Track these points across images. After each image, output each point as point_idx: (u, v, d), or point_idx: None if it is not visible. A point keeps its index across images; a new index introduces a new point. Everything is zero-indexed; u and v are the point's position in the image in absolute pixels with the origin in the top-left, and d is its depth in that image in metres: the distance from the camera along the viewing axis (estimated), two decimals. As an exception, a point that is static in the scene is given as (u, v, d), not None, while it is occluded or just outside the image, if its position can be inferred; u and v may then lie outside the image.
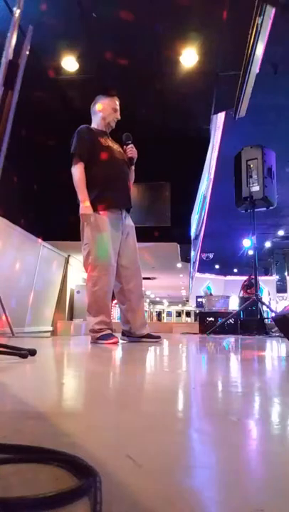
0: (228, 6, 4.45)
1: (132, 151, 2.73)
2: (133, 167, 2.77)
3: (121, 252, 2.63)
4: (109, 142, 2.71)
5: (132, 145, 2.74)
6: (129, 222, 2.70)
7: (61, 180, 8.13)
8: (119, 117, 2.74)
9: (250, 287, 5.05)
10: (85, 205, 2.47)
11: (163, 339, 2.75)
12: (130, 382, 1.11)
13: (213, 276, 11.67)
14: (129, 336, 2.67)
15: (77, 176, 2.53)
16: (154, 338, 2.64)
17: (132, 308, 2.65)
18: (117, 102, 2.75)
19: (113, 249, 2.55)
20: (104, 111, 2.71)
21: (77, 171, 2.53)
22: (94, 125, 2.76)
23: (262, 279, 8.84)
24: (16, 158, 5.77)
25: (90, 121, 2.81)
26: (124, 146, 2.76)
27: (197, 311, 7.06)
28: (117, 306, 2.80)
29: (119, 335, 2.65)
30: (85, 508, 0.32)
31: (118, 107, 2.74)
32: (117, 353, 2.04)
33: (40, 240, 5.78)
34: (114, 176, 2.59)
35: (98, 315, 2.50)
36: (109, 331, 2.50)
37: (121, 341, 2.61)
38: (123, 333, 2.72)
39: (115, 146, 2.73)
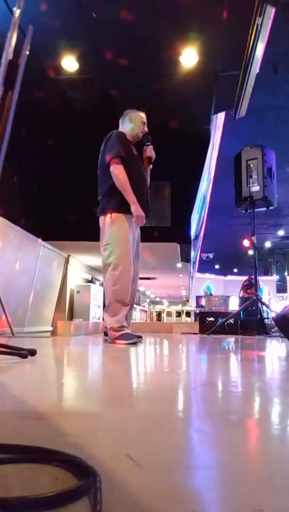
0: (228, 6, 4.45)
1: (151, 151, 2.87)
2: (151, 166, 2.89)
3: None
4: (137, 152, 2.84)
5: (151, 146, 2.88)
6: (138, 229, 2.78)
7: (61, 180, 8.15)
8: (146, 130, 2.87)
9: (250, 287, 5.05)
10: (138, 207, 2.56)
11: (144, 340, 2.72)
12: (130, 382, 1.11)
13: (213, 276, 11.68)
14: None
15: (122, 178, 2.58)
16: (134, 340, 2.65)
17: (129, 310, 2.69)
18: (145, 118, 2.89)
19: (132, 250, 2.64)
20: (135, 122, 2.83)
21: (122, 173, 2.58)
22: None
23: (262, 279, 8.84)
24: (16, 158, 5.78)
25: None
26: (144, 147, 2.88)
27: (197, 311, 7.06)
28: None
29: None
30: (85, 508, 0.32)
31: (146, 122, 2.88)
32: (118, 353, 2.04)
33: (40, 240, 5.77)
34: (140, 184, 2.69)
35: (117, 313, 2.53)
36: (128, 330, 2.53)
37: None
38: (106, 333, 2.70)
39: (138, 155, 2.87)
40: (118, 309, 2.54)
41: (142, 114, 2.90)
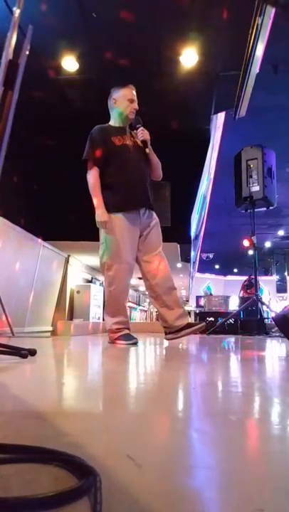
0: (228, 6, 4.45)
1: (142, 133, 2.60)
2: (148, 150, 2.62)
3: (142, 248, 2.58)
4: (127, 139, 2.61)
5: (142, 128, 2.61)
6: (150, 219, 2.62)
7: (61, 180, 8.13)
8: (137, 107, 2.63)
9: (250, 287, 5.05)
10: (100, 212, 2.46)
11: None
12: (130, 382, 1.11)
13: (213, 276, 11.68)
14: (170, 331, 2.55)
15: (90, 182, 2.51)
16: (195, 326, 2.53)
17: (165, 303, 2.53)
18: (134, 92, 2.64)
19: (129, 249, 2.52)
20: (119, 104, 2.61)
21: (91, 177, 2.51)
22: (111, 122, 2.69)
23: (262, 279, 8.84)
24: (16, 158, 5.78)
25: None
26: (135, 131, 2.66)
27: (197, 311, 7.06)
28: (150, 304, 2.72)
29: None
30: (85, 508, 0.32)
31: (135, 97, 2.63)
32: (118, 353, 2.04)
33: (40, 240, 5.77)
34: (130, 177, 2.53)
35: (116, 315, 2.49)
36: (127, 331, 2.48)
37: (166, 342, 2.59)
38: (165, 332, 2.61)
39: (134, 141, 2.64)
40: (117, 309, 2.51)
41: (127, 91, 2.62)
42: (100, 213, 2.45)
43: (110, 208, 2.49)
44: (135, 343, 2.38)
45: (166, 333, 2.59)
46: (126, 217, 2.50)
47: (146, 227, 2.60)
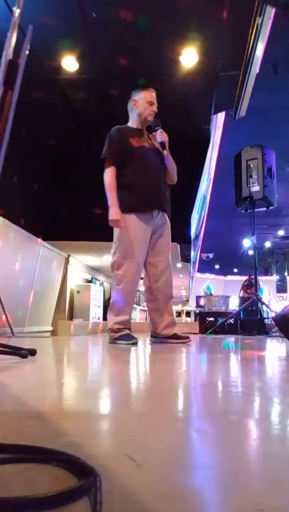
0: (228, 6, 4.45)
1: (161, 135, 2.65)
2: (166, 152, 2.68)
3: (150, 250, 2.61)
4: (145, 141, 2.65)
5: (160, 130, 2.66)
6: (162, 221, 2.67)
7: (61, 180, 8.13)
8: (156, 110, 2.67)
9: (250, 287, 5.05)
10: (113, 210, 2.47)
11: (144, 340, 2.70)
12: (130, 382, 1.11)
13: (213, 276, 11.68)
14: (156, 336, 2.62)
15: (106, 181, 2.53)
16: (181, 339, 2.58)
17: (159, 308, 2.60)
18: (154, 94, 2.68)
19: (141, 250, 2.54)
20: (139, 106, 2.65)
21: (107, 176, 2.53)
22: (130, 123, 2.72)
23: (262, 279, 8.84)
24: (16, 158, 5.78)
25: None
26: (153, 133, 2.70)
27: (197, 311, 7.06)
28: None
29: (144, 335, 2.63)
30: (85, 508, 0.32)
31: (155, 100, 2.67)
32: (117, 353, 2.04)
33: (40, 240, 5.77)
34: (145, 178, 2.56)
35: (119, 314, 2.50)
36: (127, 331, 2.49)
37: (148, 342, 2.62)
38: (151, 335, 2.69)
39: (151, 143, 2.67)
40: (121, 309, 2.51)
41: (147, 94, 2.65)
42: (114, 212, 2.47)
43: (124, 207, 2.51)
44: (135, 343, 2.38)
45: (151, 336, 2.67)
46: (139, 217, 2.53)
47: (158, 229, 2.64)
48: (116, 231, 2.56)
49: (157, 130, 2.67)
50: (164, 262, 2.64)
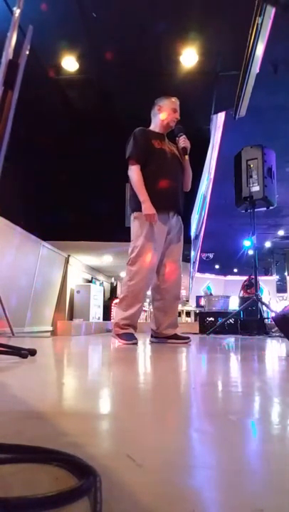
0: (228, 6, 4.45)
1: (184, 140, 2.75)
2: (187, 158, 2.78)
3: (164, 250, 2.66)
4: (165, 145, 2.73)
5: (184, 136, 2.77)
6: (177, 224, 2.72)
7: (61, 180, 8.12)
8: (178, 118, 2.77)
9: (250, 287, 5.05)
10: (147, 205, 2.51)
11: (144, 340, 2.72)
12: (130, 381, 1.11)
13: (213, 276, 11.66)
14: (156, 336, 2.66)
15: (135, 178, 2.57)
16: (181, 339, 2.60)
17: (164, 308, 2.64)
18: (178, 103, 2.79)
19: (157, 248, 2.58)
20: (164, 112, 2.74)
21: (135, 173, 2.57)
22: (152, 127, 2.80)
23: (262, 279, 8.84)
24: (15, 158, 5.78)
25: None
26: (177, 138, 2.78)
27: (197, 311, 7.06)
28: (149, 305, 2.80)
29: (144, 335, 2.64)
30: (85, 508, 0.32)
31: (178, 108, 2.78)
32: (118, 353, 2.04)
33: (40, 240, 5.78)
34: (164, 179, 2.62)
35: (128, 309, 2.52)
36: (131, 330, 2.51)
37: (148, 342, 2.64)
38: (152, 335, 2.72)
39: (171, 149, 2.76)
40: (130, 305, 2.52)
41: (173, 100, 2.78)
42: (148, 207, 2.51)
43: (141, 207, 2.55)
44: (135, 343, 2.41)
45: (152, 336, 2.70)
46: (158, 218, 2.57)
47: (173, 230, 2.68)
48: (134, 230, 2.60)
49: (181, 136, 2.77)
50: (175, 264, 2.69)
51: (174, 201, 2.67)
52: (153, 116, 2.81)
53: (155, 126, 2.78)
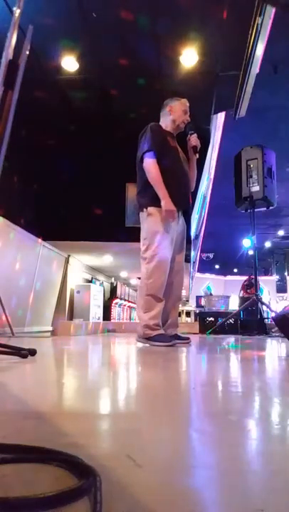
0: (228, 6, 4.45)
1: (196, 139, 2.77)
2: (197, 155, 2.79)
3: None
4: (176, 144, 2.74)
5: (195, 135, 2.78)
6: (182, 223, 2.71)
7: (61, 180, 8.12)
8: (189, 119, 2.78)
9: (250, 287, 5.05)
10: (167, 202, 2.47)
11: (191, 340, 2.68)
12: (130, 382, 1.11)
13: (213, 276, 11.66)
14: None
15: (154, 173, 2.51)
16: (182, 340, 2.58)
17: (167, 308, 2.59)
18: (188, 105, 2.79)
19: (170, 244, 2.56)
20: (174, 113, 2.74)
21: (153, 167, 2.51)
22: (162, 126, 2.78)
23: (262, 279, 8.83)
24: (16, 158, 5.78)
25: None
26: (188, 136, 2.79)
27: (197, 311, 7.05)
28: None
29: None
30: (85, 508, 0.32)
31: (188, 109, 2.79)
32: (118, 353, 2.04)
33: (40, 240, 5.77)
34: (177, 177, 2.61)
35: (153, 308, 2.47)
36: (162, 331, 2.48)
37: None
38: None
39: (180, 149, 2.78)
40: (152, 305, 2.47)
41: (184, 102, 2.78)
42: (168, 203, 2.47)
43: (156, 201, 2.51)
44: (173, 345, 2.36)
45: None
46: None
47: (180, 228, 2.67)
48: (148, 226, 2.55)
49: (192, 134, 2.78)
50: (178, 264, 2.67)
51: (185, 200, 2.67)
52: (162, 116, 2.79)
53: (166, 126, 2.76)
